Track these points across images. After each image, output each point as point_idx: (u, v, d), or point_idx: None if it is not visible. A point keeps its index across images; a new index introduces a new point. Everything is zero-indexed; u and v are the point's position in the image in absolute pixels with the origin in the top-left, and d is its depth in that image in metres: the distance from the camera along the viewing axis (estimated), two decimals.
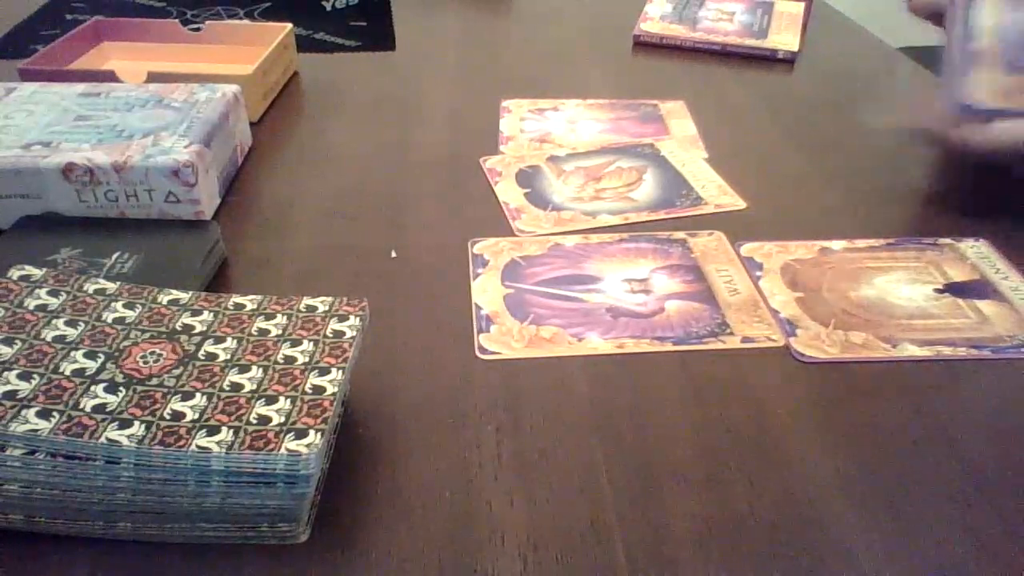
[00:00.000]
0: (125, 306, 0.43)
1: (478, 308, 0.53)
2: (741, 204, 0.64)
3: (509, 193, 0.66)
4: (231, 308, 0.44)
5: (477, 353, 0.49)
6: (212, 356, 0.41)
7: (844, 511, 0.40)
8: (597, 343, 0.50)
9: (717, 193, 0.65)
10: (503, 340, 0.50)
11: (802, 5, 1.05)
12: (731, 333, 0.51)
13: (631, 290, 0.55)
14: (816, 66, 0.94)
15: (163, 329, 0.42)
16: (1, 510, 0.36)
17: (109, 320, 0.42)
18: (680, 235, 0.61)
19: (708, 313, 0.53)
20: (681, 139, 0.75)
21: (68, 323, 0.42)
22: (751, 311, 0.53)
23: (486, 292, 0.54)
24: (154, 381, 0.39)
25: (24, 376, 0.38)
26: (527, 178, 0.68)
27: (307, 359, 0.41)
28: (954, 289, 0.55)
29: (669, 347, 0.50)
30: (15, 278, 0.44)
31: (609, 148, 0.72)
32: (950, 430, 0.45)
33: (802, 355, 0.49)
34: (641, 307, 0.53)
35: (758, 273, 0.57)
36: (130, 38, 0.86)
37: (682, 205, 0.64)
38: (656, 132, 0.77)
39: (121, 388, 0.38)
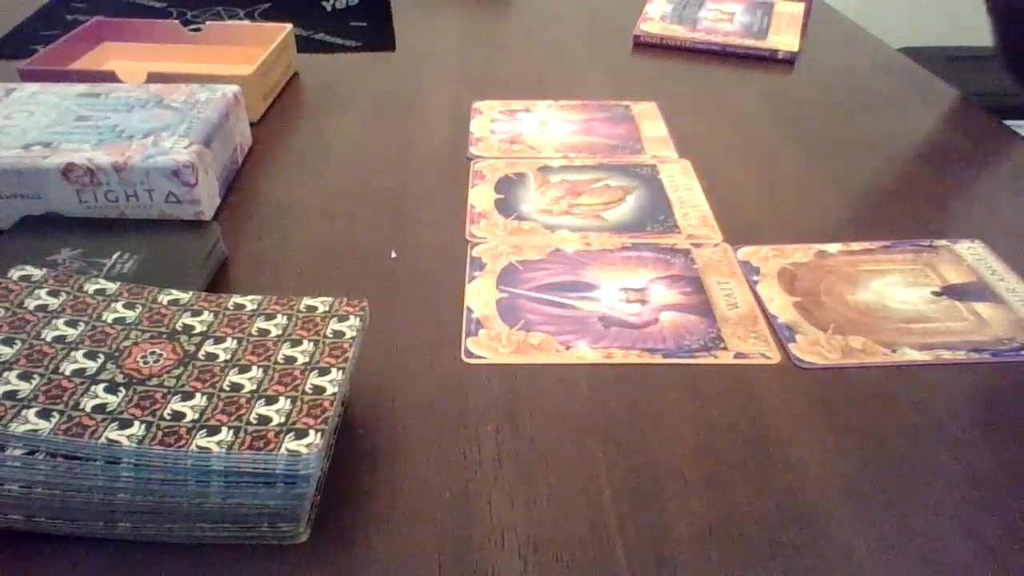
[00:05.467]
0: (125, 306, 0.43)
1: (469, 311, 0.53)
2: (717, 237, 0.61)
3: (481, 197, 0.65)
4: (231, 308, 0.44)
5: (463, 357, 0.49)
6: (212, 356, 0.41)
7: (844, 511, 0.40)
8: (585, 352, 0.50)
9: (697, 223, 0.63)
10: (490, 345, 0.50)
11: (802, 5, 1.05)
12: (724, 348, 0.50)
13: (627, 299, 0.54)
14: (816, 66, 0.94)
15: (163, 329, 0.42)
16: (1, 510, 0.36)
17: (109, 320, 0.42)
18: (685, 245, 0.60)
19: (703, 326, 0.52)
20: (653, 140, 0.75)
21: (68, 323, 0.42)
22: (748, 326, 0.52)
23: (480, 295, 0.54)
24: (154, 381, 0.39)
25: (24, 376, 0.38)
26: (507, 185, 0.67)
27: (307, 359, 0.41)
28: (952, 292, 0.55)
29: (659, 359, 0.49)
30: (15, 278, 0.44)
31: (606, 165, 0.71)
32: (950, 432, 0.45)
33: (801, 361, 0.49)
34: (635, 317, 0.52)
35: (755, 278, 0.56)
36: (130, 38, 0.86)
37: (652, 231, 0.62)
38: (627, 134, 0.76)
39: (121, 388, 0.38)
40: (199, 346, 0.41)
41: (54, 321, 0.42)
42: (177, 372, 0.39)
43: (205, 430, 0.36)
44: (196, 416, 0.37)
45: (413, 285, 0.55)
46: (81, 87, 0.66)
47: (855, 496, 0.41)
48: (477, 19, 1.06)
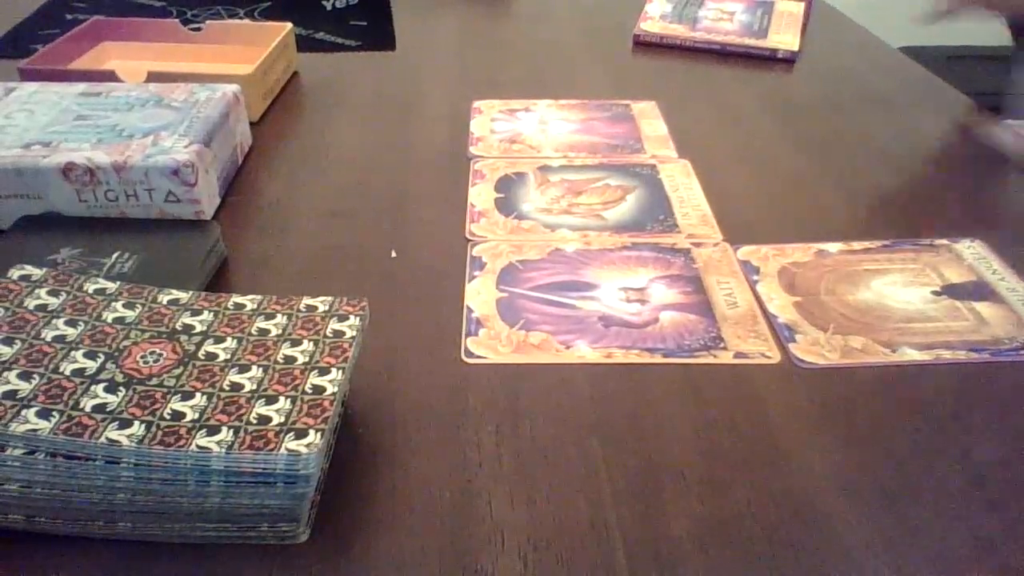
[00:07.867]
0: (125, 306, 0.43)
1: (469, 311, 0.53)
2: (717, 237, 0.61)
3: (481, 196, 0.65)
4: (231, 308, 0.44)
5: (463, 356, 0.49)
6: (212, 356, 0.41)
7: (844, 511, 0.40)
8: (585, 351, 0.49)
9: (697, 223, 0.62)
10: (490, 344, 0.50)
11: (802, 5, 1.05)
12: (724, 348, 0.50)
13: (627, 299, 0.54)
14: (816, 66, 0.94)
15: (163, 329, 0.42)
16: (1, 510, 0.36)
17: (109, 320, 0.42)
18: (685, 245, 0.60)
19: (703, 326, 0.52)
20: (653, 139, 0.75)
21: (68, 323, 0.42)
22: (748, 325, 0.52)
23: (479, 295, 0.54)
24: (154, 381, 0.39)
25: (24, 376, 0.38)
26: (507, 184, 0.67)
27: (307, 359, 0.41)
28: (952, 291, 0.55)
29: (659, 359, 0.49)
30: (15, 278, 0.44)
31: (606, 164, 0.71)
32: (950, 431, 0.45)
33: (802, 361, 0.49)
34: (635, 316, 0.52)
35: (755, 277, 0.56)
36: (130, 38, 0.86)
37: (652, 230, 0.61)
38: (627, 133, 0.76)
39: (121, 388, 0.38)
40: (199, 346, 0.41)
41: (54, 321, 0.42)
42: (177, 372, 0.39)
43: (205, 430, 0.36)
44: (196, 416, 0.37)
45: (413, 285, 0.55)
46: (81, 86, 0.66)
47: (855, 496, 0.41)
48: (477, 19, 1.06)
